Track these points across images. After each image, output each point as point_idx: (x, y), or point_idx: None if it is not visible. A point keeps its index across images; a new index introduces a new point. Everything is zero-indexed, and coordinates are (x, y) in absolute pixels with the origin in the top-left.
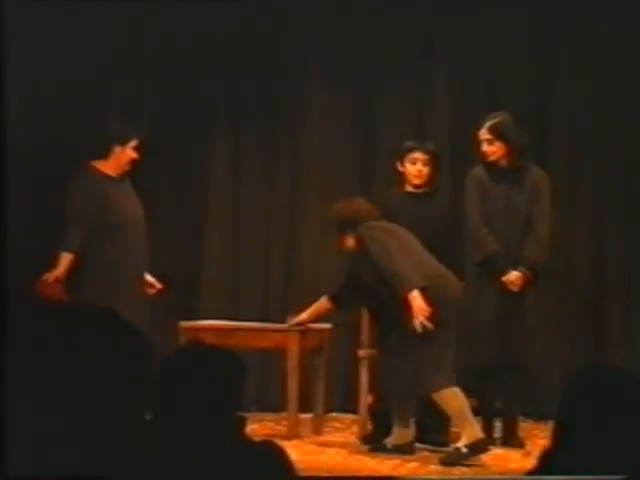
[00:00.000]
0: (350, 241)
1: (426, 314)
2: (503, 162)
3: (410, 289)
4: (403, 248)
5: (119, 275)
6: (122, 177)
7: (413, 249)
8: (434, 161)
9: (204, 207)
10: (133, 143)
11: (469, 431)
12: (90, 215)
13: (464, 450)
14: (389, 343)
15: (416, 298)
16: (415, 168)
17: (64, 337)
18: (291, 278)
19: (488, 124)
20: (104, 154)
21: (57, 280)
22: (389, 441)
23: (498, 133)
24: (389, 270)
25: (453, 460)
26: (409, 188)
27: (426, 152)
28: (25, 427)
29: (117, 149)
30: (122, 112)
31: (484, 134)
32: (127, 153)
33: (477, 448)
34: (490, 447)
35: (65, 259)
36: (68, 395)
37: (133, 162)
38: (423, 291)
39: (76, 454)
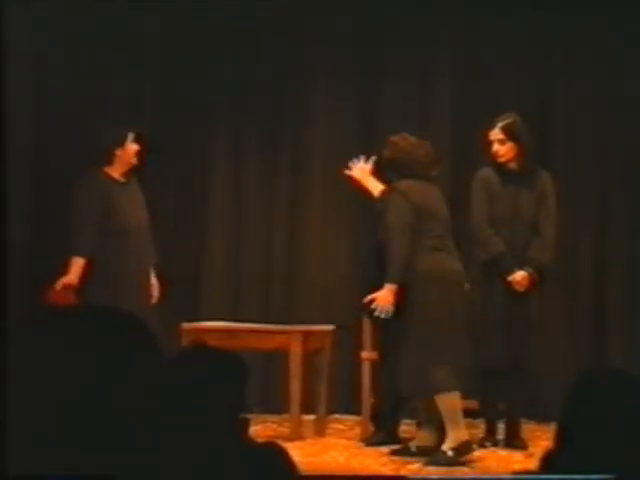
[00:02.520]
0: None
1: (388, 309)
2: (513, 164)
3: (392, 281)
4: (422, 225)
5: (122, 279)
6: (127, 179)
7: (433, 228)
8: None
9: (205, 208)
10: (131, 137)
11: (456, 433)
12: (98, 218)
13: (450, 453)
14: (391, 340)
15: (389, 291)
16: None
17: (65, 336)
18: (293, 279)
19: (501, 124)
20: (108, 160)
21: (68, 286)
22: (414, 444)
23: (511, 133)
24: (390, 247)
25: (438, 462)
26: None
27: None
28: (25, 427)
29: (118, 151)
30: (122, 113)
31: (497, 134)
32: (129, 149)
33: (461, 451)
34: (474, 448)
35: (77, 264)
36: (69, 394)
37: (138, 154)
38: (401, 287)
39: (77, 454)
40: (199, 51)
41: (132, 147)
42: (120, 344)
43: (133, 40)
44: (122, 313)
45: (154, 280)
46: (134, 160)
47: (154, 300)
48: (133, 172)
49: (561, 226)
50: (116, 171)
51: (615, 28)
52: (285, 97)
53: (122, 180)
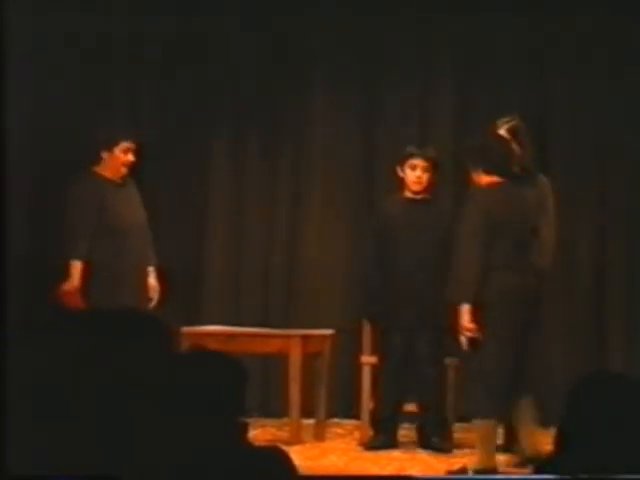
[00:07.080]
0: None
1: (471, 333)
2: (514, 167)
3: (459, 301)
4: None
5: (120, 280)
6: (123, 180)
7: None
8: (434, 168)
9: (205, 211)
10: (123, 146)
11: (483, 458)
12: (94, 220)
13: (470, 473)
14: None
15: (464, 313)
16: (414, 174)
17: (63, 338)
18: (293, 283)
19: (507, 125)
20: (96, 160)
21: (72, 290)
22: None
23: (518, 134)
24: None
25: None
26: (408, 194)
27: (426, 159)
28: (25, 427)
29: (105, 154)
30: (122, 116)
31: (503, 135)
32: (117, 157)
33: (484, 474)
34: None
35: (76, 268)
36: (68, 396)
37: (129, 165)
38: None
39: (76, 454)
40: (199, 51)
41: (122, 157)
42: (122, 345)
43: (134, 43)
44: (127, 315)
45: (153, 281)
46: (124, 170)
47: (153, 303)
48: (129, 175)
49: (561, 228)
50: (107, 172)
51: (615, 28)
52: (286, 98)
53: (117, 181)
